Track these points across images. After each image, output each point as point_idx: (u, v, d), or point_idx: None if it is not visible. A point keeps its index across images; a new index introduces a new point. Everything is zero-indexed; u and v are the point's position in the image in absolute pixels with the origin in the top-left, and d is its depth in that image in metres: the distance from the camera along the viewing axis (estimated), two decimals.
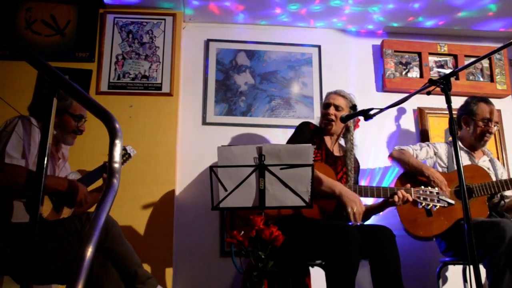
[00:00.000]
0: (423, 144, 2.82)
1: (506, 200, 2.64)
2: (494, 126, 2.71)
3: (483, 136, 2.70)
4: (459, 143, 2.73)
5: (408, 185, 2.42)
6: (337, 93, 2.59)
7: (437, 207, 2.35)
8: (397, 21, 3.46)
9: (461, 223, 2.47)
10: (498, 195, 2.65)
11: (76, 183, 2.00)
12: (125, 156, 2.38)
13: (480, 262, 2.19)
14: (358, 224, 2.27)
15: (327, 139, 2.59)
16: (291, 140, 2.52)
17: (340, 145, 2.66)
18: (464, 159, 2.70)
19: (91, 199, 2.23)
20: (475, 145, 2.74)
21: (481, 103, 2.72)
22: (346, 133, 2.61)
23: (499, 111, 3.48)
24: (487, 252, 2.22)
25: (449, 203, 2.35)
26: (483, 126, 2.68)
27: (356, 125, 2.64)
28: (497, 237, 2.21)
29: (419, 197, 2.36)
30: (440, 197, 2.35)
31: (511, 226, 2.23)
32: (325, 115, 2.55)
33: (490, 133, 2.70)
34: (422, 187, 2.41)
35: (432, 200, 2.35)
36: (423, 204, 2.35)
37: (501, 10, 3.30)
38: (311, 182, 2.00)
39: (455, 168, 2.64)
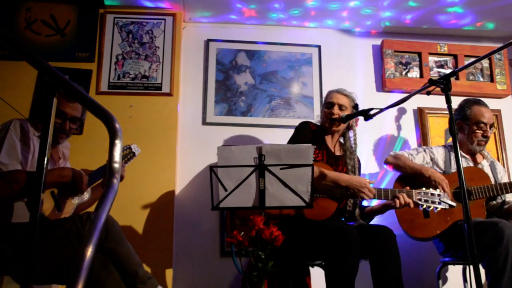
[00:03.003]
0: (419, 149, 2.79)
1: (505, 206, 2.64)
2: (490, 128, 2.66)
3: (478, 140, 2.66)
4: None
5: (408, 187, 2.41)
6: (339, 92, 2.58)
7: (438, 209, 2.34)
8: (395, 24, 3.49)
9: (459, 224, 2.47)
10: (499, 200, 2.64)
11: (77, 171, 2.00)
12: (130, 154, 2.37)
13: (479, 262, 2.18)
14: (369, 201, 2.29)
15: (328, 138, 2.59)
16: (292, 140, 2.51)
17: (341, 144, 2.66)
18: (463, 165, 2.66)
19: (94, 195, 2.24)
20: (472, 149, 2.71)
21: (475, 106, 2.67)
22: (346, 131, 2.61)
23: (499, 111, 3.48)
24: (485, 252, 2.22)
25: (450, 205, 2.34)
26: (477, 130, 2.65)
27: (356, 124, 2.63)
28: (495, 237, 2.20)
29: (420, 199, 2.35)
30: (442, 199, 2.34)
31: (509, 227, 2.23)
32: (329, 115, 2.53)
33: (485, 137, 2.66)
34: (424, 188, 2.39)
35: (433, 202, 2.34)
36: (424, 206, 2.35)
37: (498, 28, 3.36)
38: (311, 182, 2.00)
39: (452, 171, 2.65)
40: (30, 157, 1.94)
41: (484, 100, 2.79)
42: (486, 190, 2.51)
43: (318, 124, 2.64)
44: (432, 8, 3.27)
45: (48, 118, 1.29)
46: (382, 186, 3.21)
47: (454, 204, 2.35)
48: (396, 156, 2.70)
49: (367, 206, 2.58)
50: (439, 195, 2.36)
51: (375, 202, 2.86)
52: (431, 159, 2.74)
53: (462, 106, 2.73)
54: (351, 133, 2.62)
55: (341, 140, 2.65)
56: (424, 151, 2.77)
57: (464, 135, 2.71)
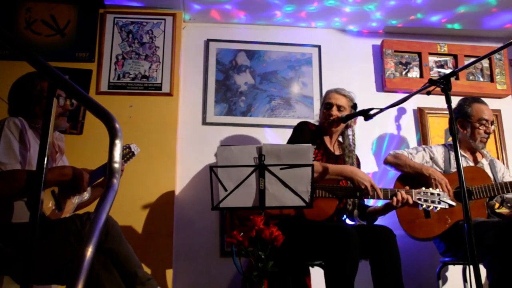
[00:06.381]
0: (419, 148, 2.79)
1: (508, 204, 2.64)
2: (491, 125, 2.68)
3: (481, 137, 2.66)
4: None
5: (407, 187, 2.41)
6: (338, 92, 2.57)
7: (438, 209, 2.34)
8: (397, 18, 3.43)
9: (459, 224, 2.47)
10: (499, 199, 2.64)
11: (78, 169, 1.99)
12: (129, 154, 2.36)
13: (480, 262, 2.19)
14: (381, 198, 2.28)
15: (327, 138, 2.59)
16: (291, 140, 2.51)
17: (339, 144, 2.66)
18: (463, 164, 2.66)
19: (94, 194, 2.23)
20: (474, 147, 2.71)
21: (475, 104, 2.69)
22: (345, 130, 2.61)
23: (499, 111, 3.48)
24: (487, 252, 2.22)
25: (450, 205, 2.33)
26: (480, 127, 2.65)
27: (354, 122, 2.63)
28: (497, 237, 2.20)
29: (420, 199, 2.34)
30: (441, 198, 2.34)
31: (511, 226, 2.23)
32: (327, 116, 2.53)
33: (488, 133, 2.67)
34: (423, 188, 2.39)
35: (433, 202, 2.34)
36: (423, 206, 2.34)
37: (502, 5, 3.27)
38: (311, 182, 2.00)
39: (452, 171, 2.65)
40: (28, 154, 1.93)
41: (484, 100, 2.79)
42: (487, 190, 2.51)
43: (317, 124, 2.64)
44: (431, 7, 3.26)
45: (48, 118, 1.28)
46: (385, 182, 3.21)
47: (454, 203, 2.35)
48: (396, 156, 2.70)
49: (369, 207, 2.58)
50: (438, 194, 2.35)
51: (371, 202, 2.87)
52: (431, 158, 2.73)
53: (461, 104, 2.73)
54: (349, 131, 2.62)
55: (340, 139, 2.65)
56: (424, 150, 2.77)
57: (466, 133, 2.70)
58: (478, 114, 2.66)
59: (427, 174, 2.54)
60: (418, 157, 2.72)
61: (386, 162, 2.74)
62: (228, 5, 3.24)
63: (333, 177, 2.35)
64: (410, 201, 2.32)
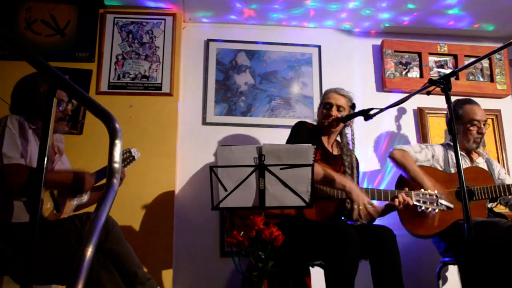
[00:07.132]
0: (422, 146, 2.79)
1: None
2: (483, 125, 2.68)
3: (474, 138, 2.67)
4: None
5: (406, 189, 2.41)
6: (337, 92, 2.57)
7: (436, 211, 2.36)
8: (397, 18, 3.44)
9: (459, 223, 2.47)
10: (501, 201, 2.65)
11: (80, 172, 1.99)
12: (129, 158, 2.37)
13: (480, 261, 2.19)
14: (365, 222, 2.27)
15: (324, 138, 2.58)
16: (290, 140, 2.51)
17: (337, 143, 2.66)
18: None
19: (93, 197, 2.23)
20: (468, 148, 2.71)
21: (466, 105, 2.70)
22: (343, 129, 2.61)
23: (499, 111, 3.48)
24: (486, 251, 2.22)
25: (448, 207, 2.35)
26: (471, 128, 2.66)
27: (352, 121, 2.62)
28: (496, 236, 2.20)
29: (419, 201, 2.36)
30: (440, 201, 2.35)
31: (510, 226, 2.23)
32: (327, 116, 2.53)
33: (480, 133, 2.67)
34: (422, 190, 2.40)
35: (431, 204, 2.36)
36: (422, 208, 2.36)
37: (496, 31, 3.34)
38: (311, 182, 2.00)
39: (452, 171, 2.65)
40: (29, 150, 1.94)
41: (484, 100, 2.80)
42: (489, 191, 2.51)
43: (314, 123, 2.63)
44: (430, 10, 3.27)
45: (48, 118, 1.28)
46: (385, 182, 3.21)
47: (451, 206, 2.36)
48: (403, 154, 2.64)
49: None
50: (436, 196, 2.37)
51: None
52: (432, 156, 2.74)
53: (453, 107, 2.73)
54: (348, 130, 2.62)
55: (338, 139, 2.65)
56: (427, 147, 2.77)
57: (459, 134, 2.70)
58: (469, 115, 2.67)
59: (426, 188, 2.49)
60: (422, 156, 2.71)
61: (393, 158, 2.67)
62: (229, 5, 3.24)
63: (337, 186, 2.32)
64: (411, 203, 2.33)
